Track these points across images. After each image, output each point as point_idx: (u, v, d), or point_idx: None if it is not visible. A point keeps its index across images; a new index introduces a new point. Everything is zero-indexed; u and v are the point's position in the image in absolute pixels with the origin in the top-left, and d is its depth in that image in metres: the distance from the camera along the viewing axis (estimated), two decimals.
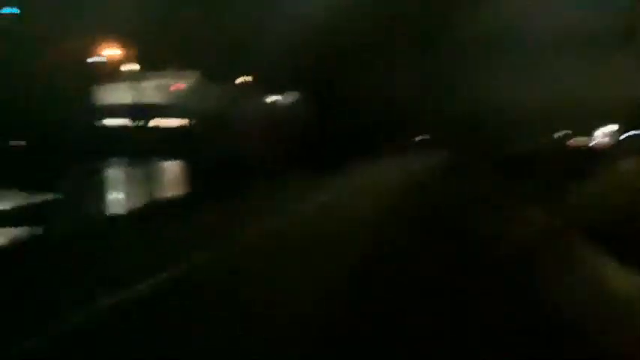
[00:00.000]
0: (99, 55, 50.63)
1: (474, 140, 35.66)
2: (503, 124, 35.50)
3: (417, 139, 48.17)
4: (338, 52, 37.94)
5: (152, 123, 52.46)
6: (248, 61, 53.37)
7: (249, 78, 62.83)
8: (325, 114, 40.67)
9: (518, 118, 34.51)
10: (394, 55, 37.90)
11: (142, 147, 42.42)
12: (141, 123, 54.71)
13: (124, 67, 54.70)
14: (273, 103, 68.92)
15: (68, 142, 44.48)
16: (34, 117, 43.31)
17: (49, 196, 20.53)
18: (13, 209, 18.18)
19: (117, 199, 23.77)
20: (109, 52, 50.96)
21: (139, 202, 16.51)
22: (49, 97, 43.00)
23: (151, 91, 53.39)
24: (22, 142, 50.25)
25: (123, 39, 49.43)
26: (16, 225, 15.39)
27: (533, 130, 34.26)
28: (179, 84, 56.51)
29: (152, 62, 48.66)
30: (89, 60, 50.01)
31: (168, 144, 38.60)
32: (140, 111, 53.99)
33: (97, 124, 54.80)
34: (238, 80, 62.35)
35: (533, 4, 34.16)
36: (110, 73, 54.67)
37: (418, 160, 33.44)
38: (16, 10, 42.04)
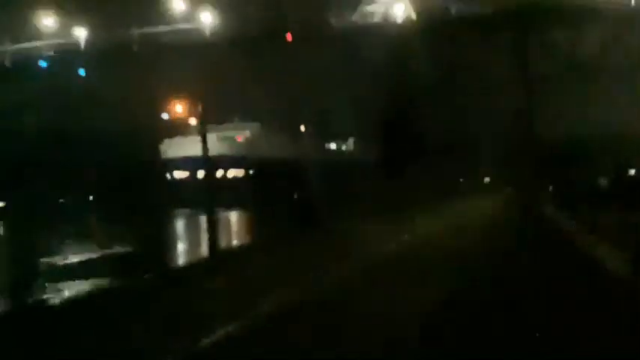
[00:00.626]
0: (165, 112, 52.47)
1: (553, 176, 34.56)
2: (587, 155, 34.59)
3: (487, 179, 47.18)
4: (401, 95, 37.87)
5: (218, 174, 53.68)
6: (308, 110, 54.17)
7: (309, 127, 63.77)
8: (390, 159, 40.39)
9: (602, 149, 33.60)
10: (457, 96, 37.57)
11: (208, 197, 43.25)
12: (206, 174, 55.93)
13: (189, 122, 56.43)
14: (335, 149, 69.59)
15: (140, 195, 45.90)
16: (106, 171, 44.99)
17: (127, 247, 20.84)
18: (91, 260, 18.48)
19: (191, 247, 24.03)
20: (175, 108, 52.85)
21: (216, 248, 16.52)
22: (120, 152, 44.70)
23: (214, 143, 54.89)
24: (92, 196, 52.03)
25: (187, 95, 51.19)
26: (98, 276, 15.57)
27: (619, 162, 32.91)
28: (240, 135, 57.92)
29: (216, 116, 50.11)
30: (155, 116, 51.97)
31: (233, 193, 39.33)
32: (204, 163, 55.34)
33: (165, 176, 56.62)
34: (299, 129, 63.28)
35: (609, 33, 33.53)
36: (176, 128, 56.47)
37: (493, 199, 32.53)
38: (82, 72, 44.36)
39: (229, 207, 35.54)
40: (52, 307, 11.23)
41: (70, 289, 14.41)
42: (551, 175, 35.26)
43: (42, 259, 18.26)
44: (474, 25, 35.18)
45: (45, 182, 43.17)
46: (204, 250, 19.76)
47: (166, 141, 55.82)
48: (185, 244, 26.79)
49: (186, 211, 41.47)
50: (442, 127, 41.29)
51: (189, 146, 57.29)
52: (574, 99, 33.88)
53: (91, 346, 6.90)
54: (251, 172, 54.04)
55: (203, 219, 36.37)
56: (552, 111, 35.34)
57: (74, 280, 15.46)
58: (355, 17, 37.05)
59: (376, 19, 36.99)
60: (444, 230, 19.87)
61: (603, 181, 27.32)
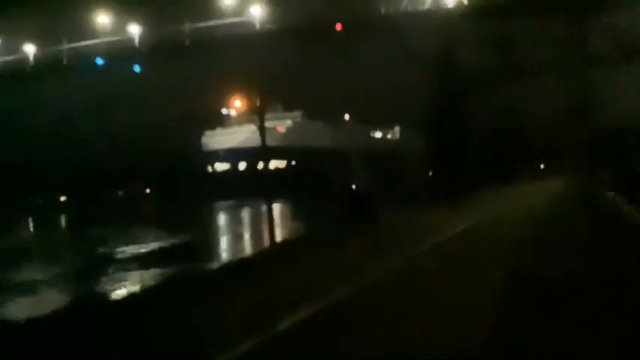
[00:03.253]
0: (214, 104, 53.05)
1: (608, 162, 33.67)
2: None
3: (542, 166, 46.16)
4: (451, 82, 37.31)
5: (259, 165, 53.46)
6: (353, 99, 53.75)
7: (354, 115, 62.98)
8: (441, 147, 39.82)
9: None
10: (510, 82, 36.76)
11: (251, 189, 43.54)
12: (247, 166, 56.16)
13: (228, 113, 56.76)
14: (381, 138, 68.74)
15: (183, 188, 46.62)
16: (152, 165, 45.95)
17: (183, 239, 21.24)
18: (154, 251, 18.90)
19: (244, 239, 24.30)
20: (224, 100, 53.36)
21: (270, 240, 16.64)
22: (165, 144, 45.57)
23: (256, 134, 54.22)
24: (145, 189, 53.01)
25: (238, 88, 51.60)
26: (165, 265, 15.90)
27: None
28: (281, 125, 57.22)
29: (254, 106, 50.13)
30: (203, 109, 52.63)
31: (276, 184, 39.13)
32: (245, 154, 55.49)
33: (207, 169, 57.10)
34: (343, 117, 62.60)
35: None
36: (217, 119, 56.94)
37: (550, 187, 31.83)
38: (137, 68, 45.28)
39: (274, 198, 35.25)
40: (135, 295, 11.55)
41: (144, 278, 14.78)
42: (608, 161, 34.38)
43: (112, 249, 18.80)
44: (527, 8, 34.34)
45: (101, 175, 44.43)
46: (262, 241, 19.93)
47: (207, 133, 56.05)
48: (239, 236, 27.08)
49: (231, 203, 41.91)
50: (495, 114, 40.63)
51: (228, 137, 57.65)
52: (633, 84, 32.82)
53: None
54: (293, 162, 53.68)
55: (249, 210, 36.84)
56: (610, 96, 34.37)
57: (148, 269, 15.86)
58: (405, 4, 36.62)
59: (426, 5, 36.48)
60: (509, 216, 19.57)
61: None
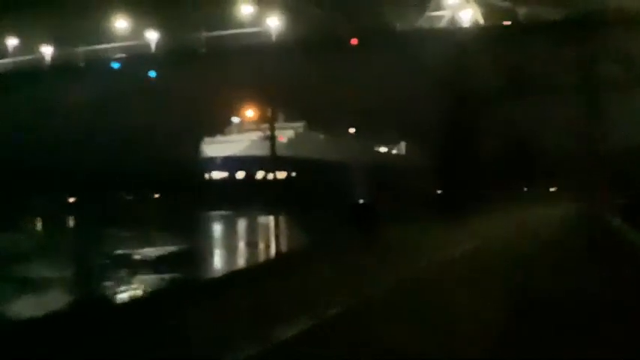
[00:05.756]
0: (221, 112, 53.13)
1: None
2: None
3: (552, 189, 45.90)
4: (463, 100, 37.42)
5: (258, 175, 53.06)
6: (360, 113, 53.62)
7: (359, 129, 62.67)
8: (448, 165, 39.76)
9: None
10: (522, 102, 36.85)
11: (248, 199, 43.46)
12: (245, 175, 55.98)
13: (231, 121, 56.73)
14: (386, 152, 68.36)
15: (185, 194, 46.65)
16: (157, 170, 46.13)
17: (182, 245, 21.32)
18: (161, 257, 19.00)
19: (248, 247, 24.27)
20: (227, 108, 53.43)
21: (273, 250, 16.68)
22: (169, 150, 45.74)
23: (255, 143, 53.65)
24: (154, 194, 53.20)
25: (246, 97, 51.84)
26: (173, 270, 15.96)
27: None
28: (283, 136, 56.47)
29: (260, 115, 50.20)
30: (211, 117, 52.69)
31: (274, 195, 38.75)
32: (243, 163, 55.26)
33: (205, 176, 56.82)
34: (348, 130, 62.26)
35: None
36: (219, 127, 56.87)
37: (559, 210, 31.52)
38: (153, 74, 45.69)
39: (270, 209, 34.75)
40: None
41: (153, 282, 14.86)
42: (619, 185, 34.15)
43: (118, 252, 18.90)
44: (541, 30, 34.52)
45: (106, 178, 44.65)
46: (266, 250, 19.96)
47: (207, 140, 55.65)
48: (235, 246, 26.98)
49: (225, 212, 41.71)
50: (504, 134, 40.56)
51: (227, 146, 57.39)
52: None
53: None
54: (293, 174, 53.13)
55: (244, 221, 36.69)
56: (620, 118, 34.34)
57: (154, 274, 15.94)
58: (421, 22, 36.85)
59: (442, 23, 36.69)
60: (512, 237, 19.48)
61: None
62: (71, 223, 43.19)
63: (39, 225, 40.71)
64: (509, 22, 35.10)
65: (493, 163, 39.88)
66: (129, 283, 15.19)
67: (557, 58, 34.81)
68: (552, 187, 45.21)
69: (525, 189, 45.63)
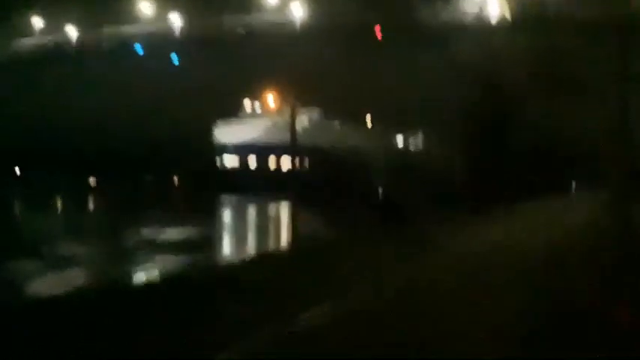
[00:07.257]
0: (236, 97, 52.96)
1: None
2: None
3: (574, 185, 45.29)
4: (487, 95, 37.05)
5: (270, 162, 52.73)
6: (380, 103, 53.25)
7: (376, 118, 62.25)
8: (471, 160, 39.38)
9: None
10: (550, 99, 36.41)
11: (259, 186, 43.37)
12: (257, 162, 55.84)
13: (252, 107, 56.59)
14: (405, 144, 67.78)
15: (199, 179, 46.78)
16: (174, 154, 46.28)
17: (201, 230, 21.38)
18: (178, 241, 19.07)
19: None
20: (246, 94, 53.26)
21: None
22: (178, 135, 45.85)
23: (268, 129, 53.34)
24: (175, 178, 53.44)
25: (266, 83, 51.69)
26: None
27: None
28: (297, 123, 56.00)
29: (279, 102, 50.05)
30: (233, 103, 52.62)
31: (286, 183, 38.27)
32: (256, 150, 55.06)
33: (216, 163, 56.75)
34: (365, 119, 61.83)
35: None
36: (237, 112, 56.78)
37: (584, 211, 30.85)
38: (176, 59, 45.74)
39: (287, 197, 34.38)
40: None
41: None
42: None
43: (141, 234, 18.99)
44: (571, 26, 34.04)
45: (128, 161, 44.87)
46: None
47: (226, 125, 55.33)
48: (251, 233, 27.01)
49: (242, 197, 41.61)
50: (531, 131, 40.07)
51: (246, 131, 57.20)
52: None
53: None
54: (307, 161, 52.54)
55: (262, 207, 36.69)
56: None
57: (181, 255, 16.00)
58: (447, 13, 36.50)
59: (469, 18, 36.31)
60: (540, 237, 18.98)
61: None
62: (93, 204, 43.54)
63: (63, 205, 41.04)
64: (538, 16, 34.63)
65: (520, 159, 39.38)
66: (154, 264, 15.26)
67: (588, 54, 34.29)
68: (583, 186, 44.34)
69: (554, 188, 44.93)
